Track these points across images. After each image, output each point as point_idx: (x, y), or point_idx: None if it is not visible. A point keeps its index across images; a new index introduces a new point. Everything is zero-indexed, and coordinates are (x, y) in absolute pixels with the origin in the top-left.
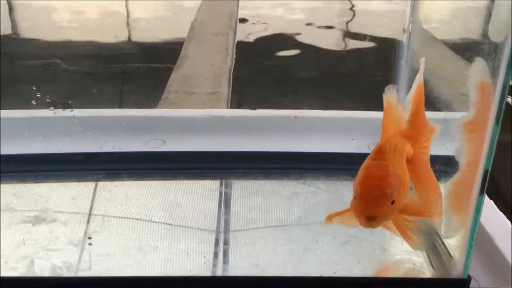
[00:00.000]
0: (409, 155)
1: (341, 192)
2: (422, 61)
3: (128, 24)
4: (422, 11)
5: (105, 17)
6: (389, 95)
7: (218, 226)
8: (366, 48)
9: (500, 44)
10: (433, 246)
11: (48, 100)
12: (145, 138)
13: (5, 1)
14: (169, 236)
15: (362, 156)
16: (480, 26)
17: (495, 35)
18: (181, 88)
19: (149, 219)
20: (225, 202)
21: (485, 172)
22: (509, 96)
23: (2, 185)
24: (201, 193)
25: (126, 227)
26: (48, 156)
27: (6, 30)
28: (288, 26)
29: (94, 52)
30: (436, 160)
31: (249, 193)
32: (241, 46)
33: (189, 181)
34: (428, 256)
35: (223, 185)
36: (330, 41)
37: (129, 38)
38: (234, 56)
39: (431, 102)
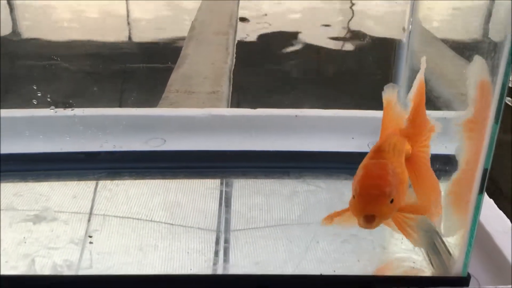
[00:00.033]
0: (408, 154)
1: (341, 191)
2: (423, 60)
3: (128, 23)
4: (421, 10)
5: (105, 17)
6: (389, 94)
7: (218, 225)
8: (366, 45)
9: (500, 43)
10: (433, 243)
11: (48, 99)
12: (146, 137)
13: (5, 1)
14: (169, 236)
15: (362, 155)
16: (480, 25)
17: (495, 34)
18: (182, 87)
19: (150, 219)
20: (225, 201)
21: (485, 171)
22: (509, 98)
23: (3, 184)
24: (201, 192)
25: (126, 226)
26: (49, 155)
27: (7, 29)
28: (288, 25)
29: (95, 52)
30: (435, 159)
31: (249, 192)
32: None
33: (190, 180)
34: (427, 254)
35: (224, 184)
36: (330, 40)
37: (130, 38)
38: (235, 55)
39: (431, 101)
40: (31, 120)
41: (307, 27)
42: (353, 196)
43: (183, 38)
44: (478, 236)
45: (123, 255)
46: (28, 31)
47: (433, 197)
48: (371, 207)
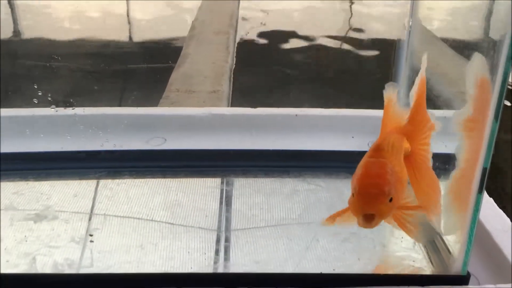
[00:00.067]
0: (407, 152)
1: (341, 190)
2: (424, 57)
3: (129, 23)
4: (422, 9)
5: (106, 16)
6: (389, 93)
7: (219, 225)
8: (366, 42)
9: (499, 42)
10: (434, 238)
11: (49, 99)
12: (146, 136)
13: (6, 1)
14: (170, 236)
15: (362, 154)
16: (480, 24)
17: (495, 33)
18: (182, 86)
19: (151, 218)
20: (226, 200)
21: (484, 169)
22: (508, 103)
23: (4, 183)
24: (202, 191)
25: (127, 226)
26: (50, 154)
27: (7, 29)
28: (288, 24)
29: (96, 51)
30: (435, 158)
31: (249, 191)
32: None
33: (190, 179)
34: (427, 253)
35: (224, 183)
36: (330, 38)
37: (130, 37)
38: (235, 54)
39: (432, 100)
40: (32, 119)
41: (308, 25)
42: (352, 195)
43: (183, 38)
44: (478, 235)
45: (124, 254)
46: (29, 30)
47: (432, 196)
48: (370, 206)
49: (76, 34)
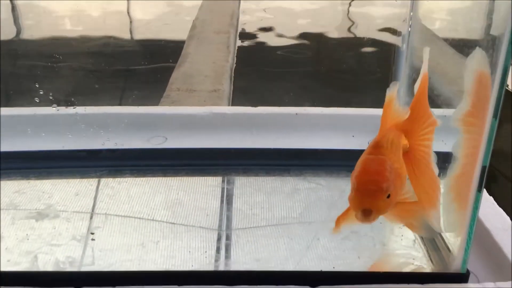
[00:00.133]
0: (406, 148)
1: (342, 188)
2: (427, 50)
3: (130, 22)
4: (421, 8)
5: (107, 16)
6: (391, 91)
7: (220, 224)
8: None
9: (499, 40)
10: (439, 233)
11: (51, 98)
12: (147, 135)
13: (7, 1)
14: (171, 235)
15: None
16: (480, 23)
17: (495, 31)
18: (183, 86)
19: (152, 218)
20: (227, 198)
21: (483, 168)
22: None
23: (5, 182)
24: (203, 190)
25: (128, 225)
26: (51, 153)
27: (9, 28)
28: (288, 23)
29: (96, 50)
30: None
31: (250, 190)
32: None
33: (191, 177)
34: (427, 251)
35: (225, 182)
36: (330, 36)
37: (131, 37)
38: (235, 54)
39: (432, 99)
40: (33, 118)
41: (307, 24)
42: (352, 191)
43: (184, 37)
44: (477, 233)
45: (125, 253)
46: (29, 29)
47: (431, 192)
48: (369, 202)
49: (77, 33)
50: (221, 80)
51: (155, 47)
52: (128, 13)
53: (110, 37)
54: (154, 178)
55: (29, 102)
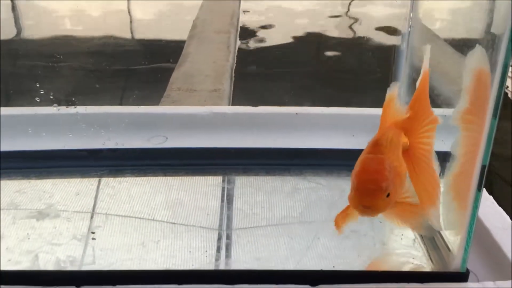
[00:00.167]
0: (405, 146)
1: (342, 188)
2: (427, 48)
3: (131, 22)
4: (422, 7)
5: (107, 15)
6: (392, 91)
7: (220, 223)
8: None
9: (499, 39)
10: (433, 230)
11: (51, 97)
12: (148, 135)
13: (8, 0)
14: (172, 235)
15: None
16: (481, 23)
17: (495, 31)
18: (183, 85)
19: (152, 218)
20: (227, 198)
21: (483, 167)
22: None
23: (6, 181)
24: (203, 189)
25: (129, 225)
26: (52, 152)
27: (8, 29)
28: (288, 22)
29: (97, 50)
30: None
31: (251, 189)
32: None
33: (191, 177)
34: (427, 250)
35: (225, 181)
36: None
37: (132, 36)
38: (236, 53)
39: (431, 99)
40: (34, 118)
41: (307, 23)
42: (351, 190)
43: (184, 37)
44: (477, 232)
45: (126, 252)
46: (30, 29)
47: (431, 190)
48: (368, 201)
49: (77, 33)
50: (222, 79)
51: (155, 47)
52: (128, 12)
53: (110, 36)
54: (154, 177)
55: (29, 102)
